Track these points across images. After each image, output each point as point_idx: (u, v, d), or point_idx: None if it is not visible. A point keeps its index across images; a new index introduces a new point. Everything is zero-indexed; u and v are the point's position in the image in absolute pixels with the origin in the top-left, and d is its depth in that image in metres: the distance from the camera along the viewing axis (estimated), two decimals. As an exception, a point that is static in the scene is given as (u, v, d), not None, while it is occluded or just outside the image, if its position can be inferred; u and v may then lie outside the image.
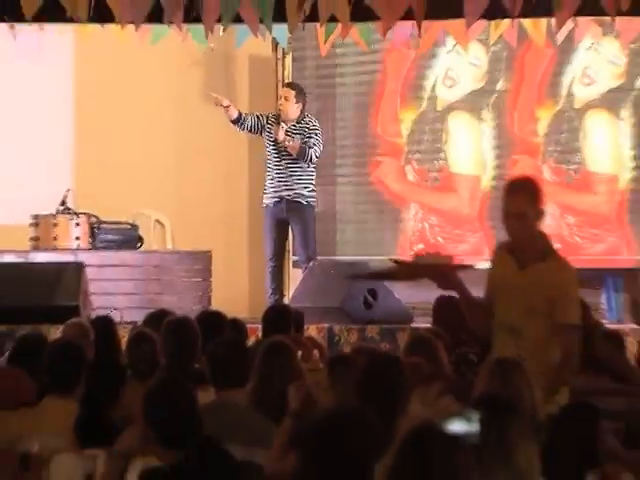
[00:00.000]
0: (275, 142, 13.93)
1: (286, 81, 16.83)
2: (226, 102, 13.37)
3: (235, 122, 13.40)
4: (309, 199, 13.27)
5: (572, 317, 7.90)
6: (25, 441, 7.08)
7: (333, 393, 7.12)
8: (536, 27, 13.14)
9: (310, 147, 13.42)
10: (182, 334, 9.19)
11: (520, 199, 7.78)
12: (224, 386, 7.49)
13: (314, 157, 13.79)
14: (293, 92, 13.35)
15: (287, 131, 13.39)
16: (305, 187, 13.78)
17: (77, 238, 14.11)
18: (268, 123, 13.67)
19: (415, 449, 3.82)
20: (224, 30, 12.31)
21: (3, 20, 11.81)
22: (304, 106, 13.45)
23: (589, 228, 14.92)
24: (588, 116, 15.09)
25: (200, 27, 11.91)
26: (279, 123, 13.32)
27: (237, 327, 10.06)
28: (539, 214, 7.71)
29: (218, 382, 7.59)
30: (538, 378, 6.97)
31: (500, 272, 8.32)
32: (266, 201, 13.61)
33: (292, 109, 13.26)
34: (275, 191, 13.91)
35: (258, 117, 13.47)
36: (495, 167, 15.45)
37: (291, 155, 13.86)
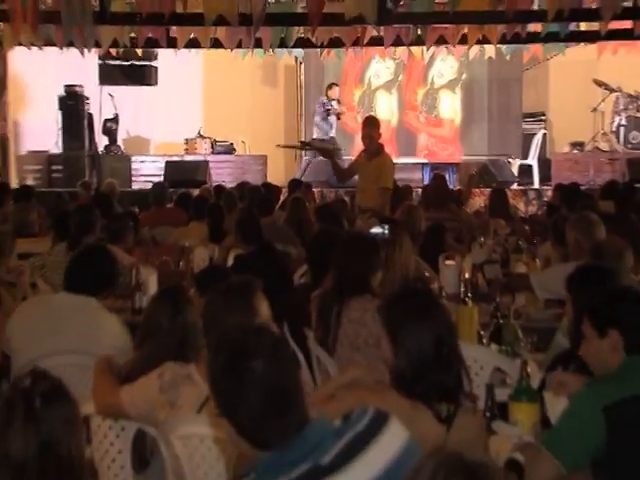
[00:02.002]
0: None
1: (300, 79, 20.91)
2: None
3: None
4: None
5: (388, 183, 11.66)
6: (182, 240, 9.68)
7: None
8: (417, 51, 18.20)
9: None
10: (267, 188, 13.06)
11: (372, 127, 11.88)
12: (264, 214, 9.96)
13: None
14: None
15: None
16: None
17: (205, 149, 19.54)
18: None
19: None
20: (272, 50, 16.99)
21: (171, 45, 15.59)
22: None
23: (440, 143, 20.72)
24: (440, 92, 20.74)
25: (261, 50, 16.60)
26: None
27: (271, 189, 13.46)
28: (378, 134, 11.85)
29: (261, 212, 9.86)
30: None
31: (357, 161, 12.50)
32: None
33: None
34: None
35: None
36: (398, 116, 21.02)
37: None
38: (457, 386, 3.99)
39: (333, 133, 19.20)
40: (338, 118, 19.27)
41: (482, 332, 6.20)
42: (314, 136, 19.21)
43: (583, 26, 15.44)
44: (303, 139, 19.04)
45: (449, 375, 3.96)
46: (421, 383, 3.90)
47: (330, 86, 19.37)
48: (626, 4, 13.62)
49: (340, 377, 4.56)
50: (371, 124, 11.80)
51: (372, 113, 18.49)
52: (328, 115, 19.16)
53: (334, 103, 19.00)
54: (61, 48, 14.81)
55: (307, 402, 3.10)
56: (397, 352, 3.99)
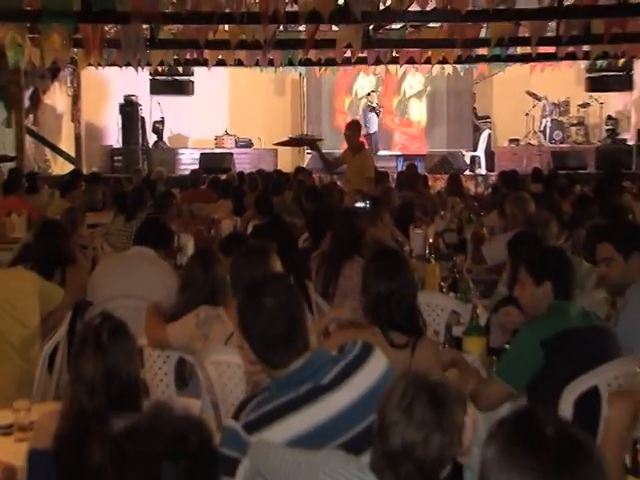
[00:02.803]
0: None
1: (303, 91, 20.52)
2: None
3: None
4: None
5: (370, 173, 11.20)
6: (212, 214, 9.96)
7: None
8: (392, 68, 17.89)
9: None
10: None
11: (353, 129, 11.36)
12: (276, 194, 10.12)
13: None
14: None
15: None
16: None
17: (230, 144, 19.46)
18: None
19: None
20: (282, 68, 16.53)
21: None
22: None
23: (410, 140, 20.50)
24: (410, 100, 20.64)
25: (273, 67, 16.09)
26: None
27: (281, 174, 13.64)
28: (358, 135, 11.46)
29: (273, 192, 10.19)
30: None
31: (344, 155, 11.50)
32: None
33: None
34: None
35: None
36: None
37: None
38: (411, 321, 3.99)
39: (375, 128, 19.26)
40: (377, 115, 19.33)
41: (442, 284, 6.27)
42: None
43: (519, 50, 15.40)
44: (306, 134, 18.66)
45: (399, 312, 3.95)
46: (376, 316, 3.94)
47: (369, 93, 19.64)
48: (550, 34, 13.70)
49: (331, 313, 4.56)
50: (352, 127, 11.44)
51: (357, 117, 18.28)
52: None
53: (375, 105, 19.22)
54: (121, 67, 14.87)
55: (309, 333, 3.11)
56: (365, 295, 4.03)
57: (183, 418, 2.10)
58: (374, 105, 19.04)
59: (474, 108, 20.06)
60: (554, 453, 1.59)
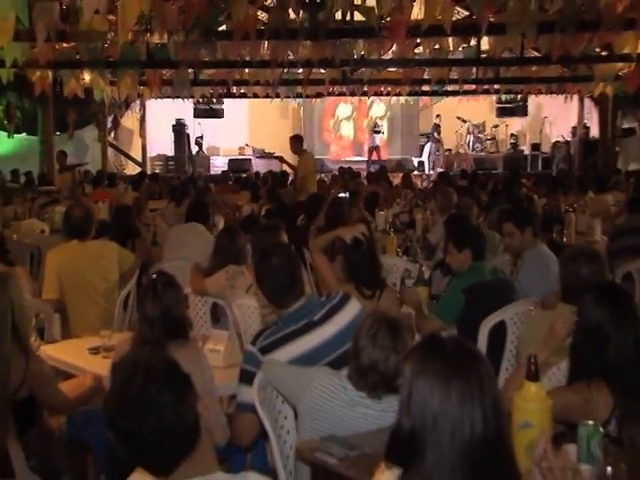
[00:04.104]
0: None
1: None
2: None
3: None
4: None
5: (301, 172, 10.08)
6: (236, 201, 9.49)
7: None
8: (364, 99, 17.55)
9: None
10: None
11: (293, 139, 10.35)
12: (281, 187, 10.09)
13: None
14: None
15: None
16: None
17: (249, 153, 18.73)
18: None
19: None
20: (286, 99, 16.09)
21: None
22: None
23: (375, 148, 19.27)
24: (377, 118, 19.49)
25: (279, 99, 15.64)
26: None
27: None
28: (297, 143, 10.14)
29: (280, 186, 10.13)
30: None
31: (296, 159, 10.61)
32: None
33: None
34: None
35: None
36: (353, 134, 19.98)
37: None
38: (375, 279, 3.98)
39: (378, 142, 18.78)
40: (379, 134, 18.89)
41: (398, 250, 6.29)
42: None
43: (450, 87, 15.23)
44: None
45: (372, 273, 3.95)
46: (352, 277, 3.93)
47: (375, 123, 18.96)
48: (472, 77, 13.69)
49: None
50: (293, 138, 10.65)
51: (340, 134, 18.47)
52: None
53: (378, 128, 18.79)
54: (173, 99, 14.97)
55: (304, 284, 3.10)
56: (345, 264, 3.99)
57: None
58: (377, 129, 18.62)
59: (419, 128, 19.85)
60: (452, 359, 1.57)
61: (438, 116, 18.54)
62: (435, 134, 18.62)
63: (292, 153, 10.70)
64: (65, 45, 9.69)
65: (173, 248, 5.93)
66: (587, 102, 17.57)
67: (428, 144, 19.08)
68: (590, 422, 2.04)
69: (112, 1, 7.25)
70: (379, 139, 18.51)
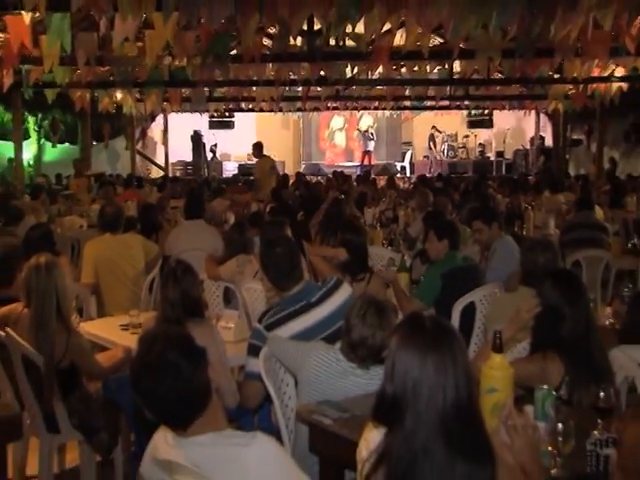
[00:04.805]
0: None
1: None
2: None
3: None
4: None
5: (255, 174, 10.83)
6: (245, 201, 9.19)
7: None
8: (354, 113, 17.13)
9: None
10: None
11: (255, 146, 10.72)
12: (284, 188, 9.52)
13: None
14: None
15: None
16: None
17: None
18: None
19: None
20: (288, 113, 16.07)
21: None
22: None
23: (365, 156, 18.33)
24: (369, 127, 18.39)
25: (281, 112, 15.52)
26: None
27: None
28: (256, 150, 10.45)
29: (282, 187, 9.67)
30: None
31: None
32: None
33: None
34: None
35: None
36: (345, 143, 19.09)
37: None
38: (364, 265, 4.00)
39: (371, 147, 18.21)
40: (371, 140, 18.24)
41: (384, 241, 6.25)
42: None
43: (428, 103, 14.96)
44: (300, 156, 18.07)
45: (360, 261, 3.96)
46: (351, 268, 3.96)
47: (367, 129, 18.30)
48: (447, 94, 13.62)
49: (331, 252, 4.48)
50: (254, 145, 10.86)
51: (334, 142, 17.97)
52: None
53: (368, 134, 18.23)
54: (192, 112, 14.92)
55: (303, 270, 3.07)
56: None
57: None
58: (369, 135, 18.12)
59: (402, 137, 19.39)
60: (430, 335, 1.55)
61: (434, 127, 18.22)
62: (431, 143, 18.48)
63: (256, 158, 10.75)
64: (101, 69, 9.80)
65: (185, 241, 5.63)
66: (542, 117, 17.56)
67: (409, 152, 18.88)
68: (545, 387, 2.05)
69: (139, 30, 7.28)
70: (372, 145, 18.22)
